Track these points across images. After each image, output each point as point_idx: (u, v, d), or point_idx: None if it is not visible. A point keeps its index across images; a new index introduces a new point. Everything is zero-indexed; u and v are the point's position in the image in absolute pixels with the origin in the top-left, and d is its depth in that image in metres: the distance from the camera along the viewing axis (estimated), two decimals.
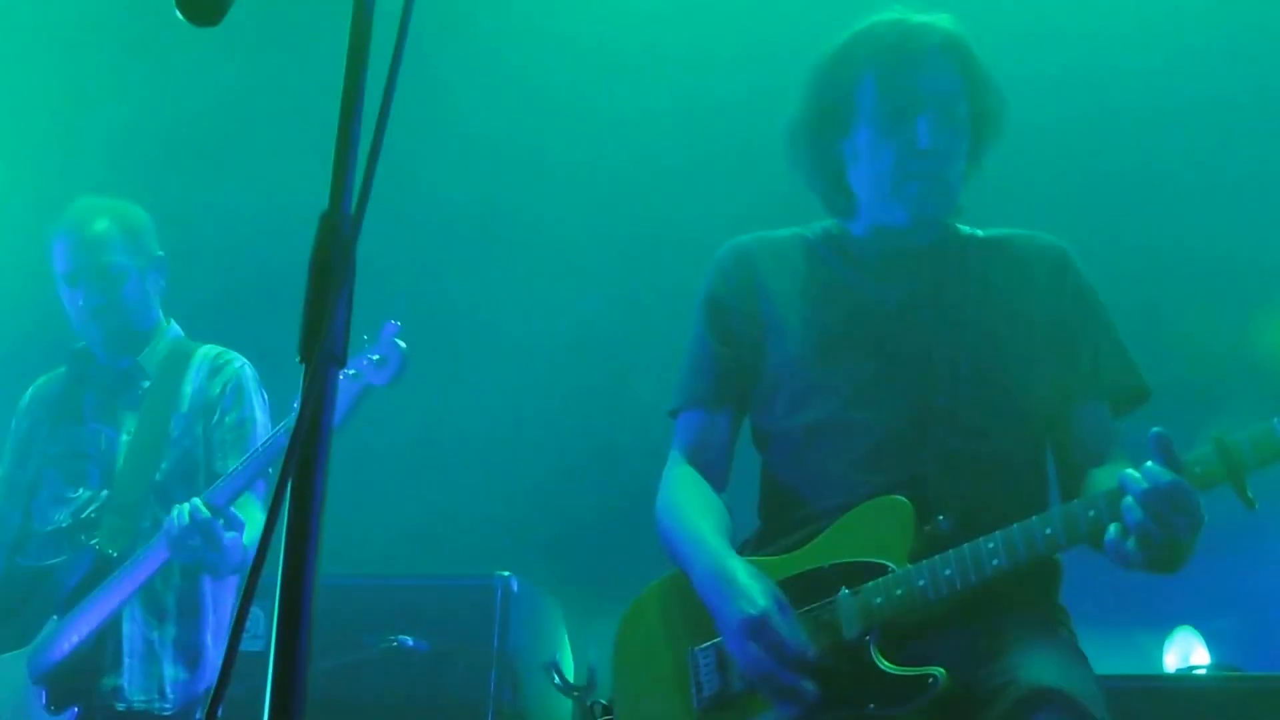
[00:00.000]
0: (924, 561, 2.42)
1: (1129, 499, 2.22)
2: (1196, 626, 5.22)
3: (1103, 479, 2.47)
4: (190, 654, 3.76)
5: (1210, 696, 3.63)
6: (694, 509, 2.71)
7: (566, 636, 4.91)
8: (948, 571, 2.38)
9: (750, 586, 2.47)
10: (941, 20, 2.72)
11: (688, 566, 2.63)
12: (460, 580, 4.63)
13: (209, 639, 3.81)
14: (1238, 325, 5.44)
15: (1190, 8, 5.18)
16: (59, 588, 3.67)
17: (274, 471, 3.74)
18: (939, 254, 2.76)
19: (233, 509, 3.47)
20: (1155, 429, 2.27)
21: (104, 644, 3.63)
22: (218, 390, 3.90)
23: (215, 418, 3.86)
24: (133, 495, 3.73)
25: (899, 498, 2.50)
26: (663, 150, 5.77)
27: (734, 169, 5.31)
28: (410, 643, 4.42)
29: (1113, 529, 2.26)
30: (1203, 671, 4.72)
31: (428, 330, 6.03)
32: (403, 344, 3.32)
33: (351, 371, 3.34)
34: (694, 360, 2.87)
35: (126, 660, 3.66)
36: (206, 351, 4.00)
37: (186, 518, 3.39)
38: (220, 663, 3.69)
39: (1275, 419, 2.19)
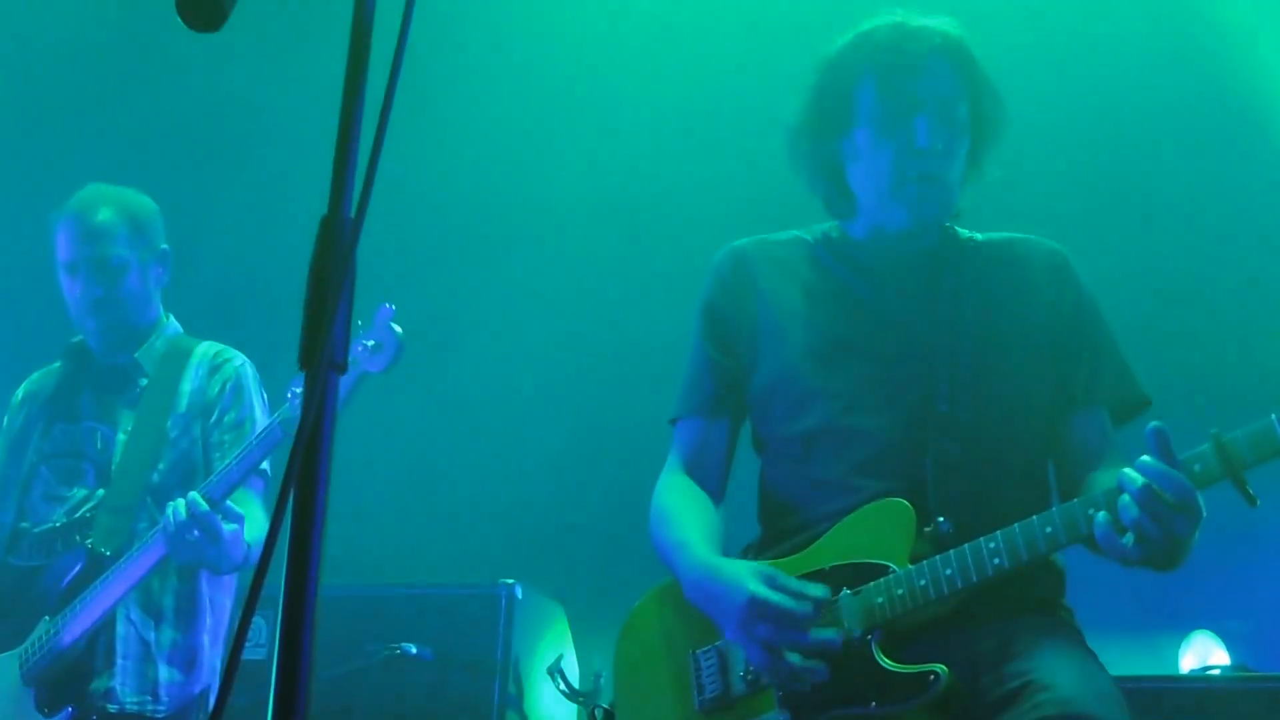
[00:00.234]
0: (924, 562, 2.42)
1: (1126, 496, 2.23)
2: (1215, 629, 5.20)
3: (1102, 480, 2.47)
4: (187, 656, 3.70)
5: (1225, 697, 3.61)
6: (682, 517, 2.72)
7: (571, 643, 4.89)
8: (949, 571, 2.39)
9: (736, 573, 2.49)
10: (941, 24, 2.73)
11: (677, 574, 2.65)
12: (465, 589, 4.62)
13: (206, 640, 3.75)
14: (1237, 327, 5.43)
15: (1192, 10, 5.17)
16: (51, 588, 3.61)
17: (270, 466, 3.72)
18: (939, 258, 2.76)
19: (230, 503, 3.41)
20: (1153, 424, 2.27)
21: (96, 645, 3.58)
22: (216, 389, 3.82)
23: (214, 417, 3.79)
24: (128, 496, 3.67)
25: (899, 500, 2.50)
26: (663, 155, 5.76)
27: (736, 170, 5.30)
28: (414, 650, 4.41)
29: (1102, 520, 2.26)
30: (1217, 671, 4.69)
31: (431, 337, 6.05)
32: (398, 328, 3.22)
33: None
34: (692, 369, 2.88)
35: (120, 661, 3.59)
36: (206, 349, 3.92)
37: (184, 512, 3.32)
38: (218, 665, 3.68)
39: (1273, 416, 2.20)
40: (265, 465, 3.71)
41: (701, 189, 5.58)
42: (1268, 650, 5.25)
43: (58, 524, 3.73)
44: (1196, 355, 5.19)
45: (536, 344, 6.04)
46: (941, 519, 2.46)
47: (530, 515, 5.88)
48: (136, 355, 3.87)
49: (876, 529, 2.50)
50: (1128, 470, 2.25)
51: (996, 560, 2.35)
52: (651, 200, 5.80)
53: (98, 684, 3.57)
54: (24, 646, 3.58)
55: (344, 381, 3.19)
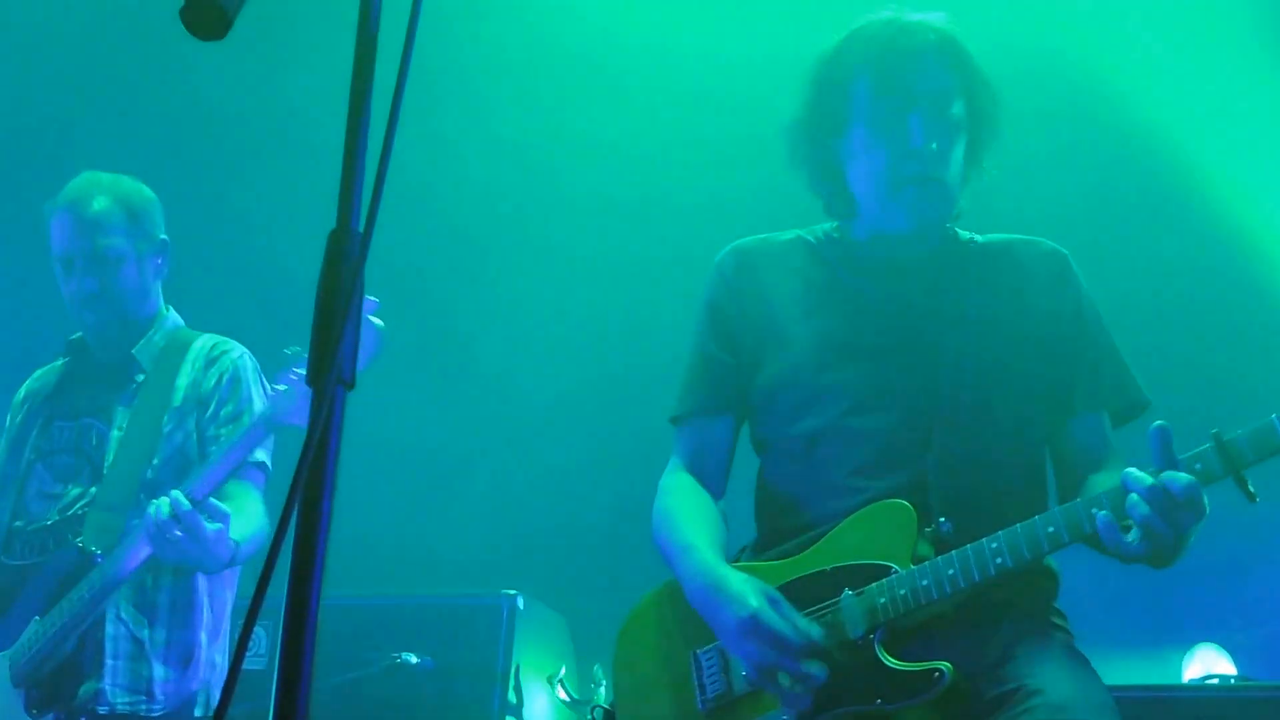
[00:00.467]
0: (927, 562, 2.42)
1: (1134, 496, 2.23)
2: (1222, 642, 5.19)
3: (1103, 480, 2.48)
4: (183, 653, 3.59)
5: (1224, 706, 3.60)
6: (686, 518, 2.71)
7: (573, 653, 4.89)
8: (951, 571, 2.39)
9: (740, 590, 2.48)
10: (935, 19, 2.72)
11: (680, 577, 2.64)
12: (467, 599, 4.62)
13: (203, 637, 3.66)
14: (1238, 328, 5.43)
15: (1197, 9, 5.17)
16: (42, 587, 3.54)
17: (271, 460, 3.68)
18: (939, 260, 2.75)
19: (215, 501, 3.32)
20: (1157, 423, 2.28)
21: (85, 646, 3.49)
22: (213, 382, 3.70)
23: (210, 411, 3.67)
24: (121, 493, 3.57)
25: (901, 501, 2.50)
26: (666, 159, 5.76)
27: (741, 174, 5.29)
28: (415, 660, 4.40)
29: (1105, 518, 2.26)
30: (1215, 680, 4.69)
31: (435, 348, 6.06)
32: (378, 321, 3.10)
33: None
34: (694, 367, 2.86)
35: (109, 662, 3.50)
36: (204, 342, 3.80)
37: (166, 510, 3.23)
38: (217, 661, 3.61)
39: (1274, 416, 2.21)
40: (265, 458, 3.67)
41: (707, 195, 5.57)
42: (1276, 662, 5.24)
43: (50, 522, 3.65)
44: (1198, 356, 5.19)
45: (539, 356, 6.04)
46: (943, 519, 2.46)
47: (533, 526, 5.87)
48: (134, 351, 3.77)
49: (878, 530, 2.50)
50: (1132, 470, 2.26)
51: (999, 560, 2.35)
52: (656, 208, 5.81)
53: (87, 686, 3.48)
54: (14, 647, 3.52)
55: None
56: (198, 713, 3.64)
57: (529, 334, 6.07)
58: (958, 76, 2.69)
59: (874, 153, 2.67)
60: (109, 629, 3.52)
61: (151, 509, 3.27)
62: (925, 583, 2.40)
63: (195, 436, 3.66)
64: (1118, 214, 5.40)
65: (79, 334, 3.87)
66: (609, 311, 5.93)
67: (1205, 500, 2.25)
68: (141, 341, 3.78)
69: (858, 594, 2.46)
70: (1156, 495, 2.22)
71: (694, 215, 5.49)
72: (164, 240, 3.84)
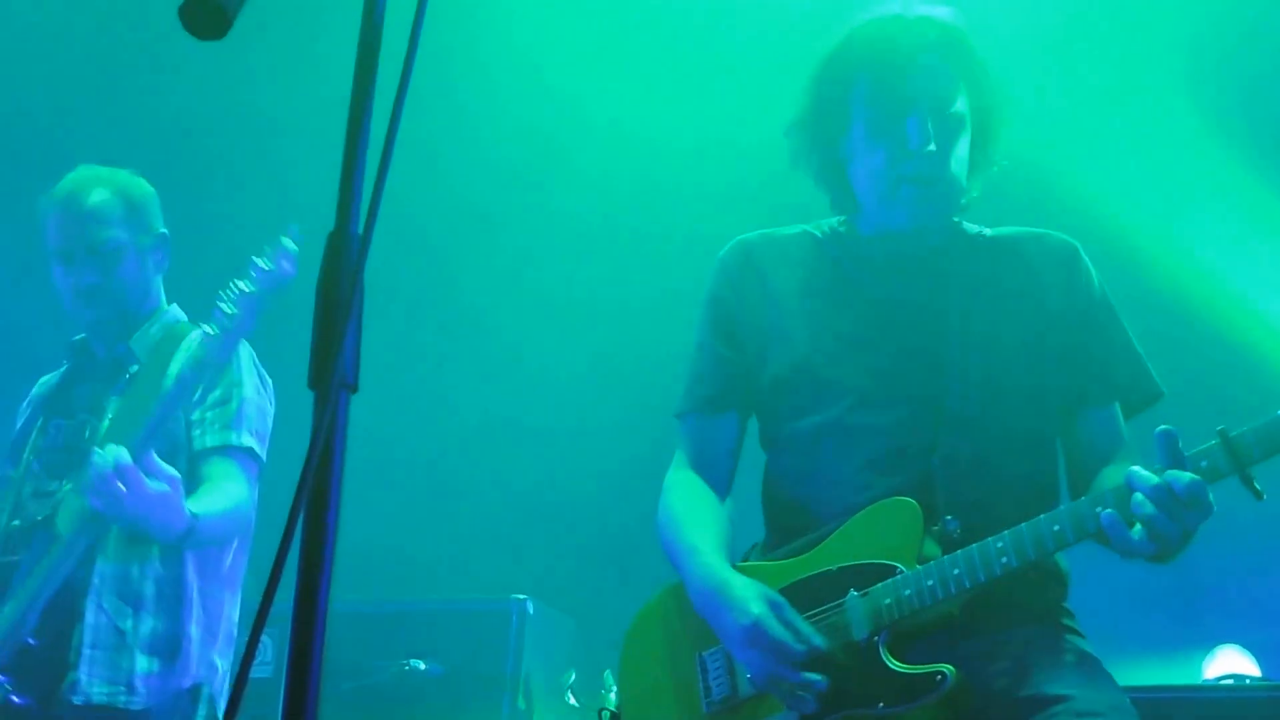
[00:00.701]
0: (932, 562, 2.40)
1: (1139, 495, 2.21)
2: (1245, 643, 5.17)
3: (1113, 476, 2.45)
4: (169, 646, 3.51)
5: (1243, 707, 3.58)
6: (691, 518, 2.69)
7: (583, 658, 4.87)
8: (957, 571, 2.36)
9: (744, 596, 2.46)
10: (938, 14, 2.68)
11: (685, 579, 2.62)
12: (476, 604, 4.62)
13: (194, 631, 3.57)
14: (1248, 322, 5.42)
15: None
16: (22, 577, 3.45)
17: (256, 444, 3.60)
18: (946, 254, 2.72)
19: (160, 462, 3.23)
20: (1162, 427, 2.26)
21: (62, 637, 3.42)
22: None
23: (197, 395, 3.55)
24: None
25: (907, 499, 2.47)
26: (671, 160, 5.75)
27: (746, 172, 5.28)
28: (424, 666, 4.40)
29: (1110, 517, 2.24)
30: (1229, 681, 4.66)
31: (441, 352, 6.06)
32: (289, 243, 3.08)
33: (243, 284, 3.15)
34: (698, 363, 2.83)
35: (87, 652, 3.40)
36: (199, 332, 3.62)
37: (109, 461, 3.15)
38: (215, 662, 3.53)
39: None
40: (254, 444, 3.61)
41: (717, 189, 5.56)
42: None
43: (41, 518, 3.56)
44: (1207, 350, 5.17)
45: (547, 359, 6.04)
46: (949, 517, 2.44)
47: (542, 530, 5.86)
48: (130, 343, 3.70)
49: (884, 529, 2.47)
50: (1137, 469, 2.24)
51: (1004, 560, 2.33)
52: (662, 209, 5.80)
53: (62, 676, 3.40)
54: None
55: (244, 309, 3.07)
56: (201, 714, 3.56)
57: (536, 338, 6.07)
58: (960, 72, 2.66)
59: (873, 153, 2.65)
60: (89, 618, 3.44)
61: (95, 458, 3.19)
62: (931, 583, 2.37)
63: (182, 420, 3.57)
64: (1128, 207, 5.38)
65: (81, 335, 3.83)
66: (615, 313, 5.92)
67: (1211, 498, 2.22)
68: (138, 334, 3.72)
69: (863, 595, 2.43)
70: (1161, 494, 2.19)
71: (706, 210, 5.47)
72: (163, 234, 3.79)
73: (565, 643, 4.79)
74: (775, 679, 2.40)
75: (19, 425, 3.84)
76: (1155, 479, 2.20)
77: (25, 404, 3.90)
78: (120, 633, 3.46)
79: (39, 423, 3.78)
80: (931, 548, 2.43)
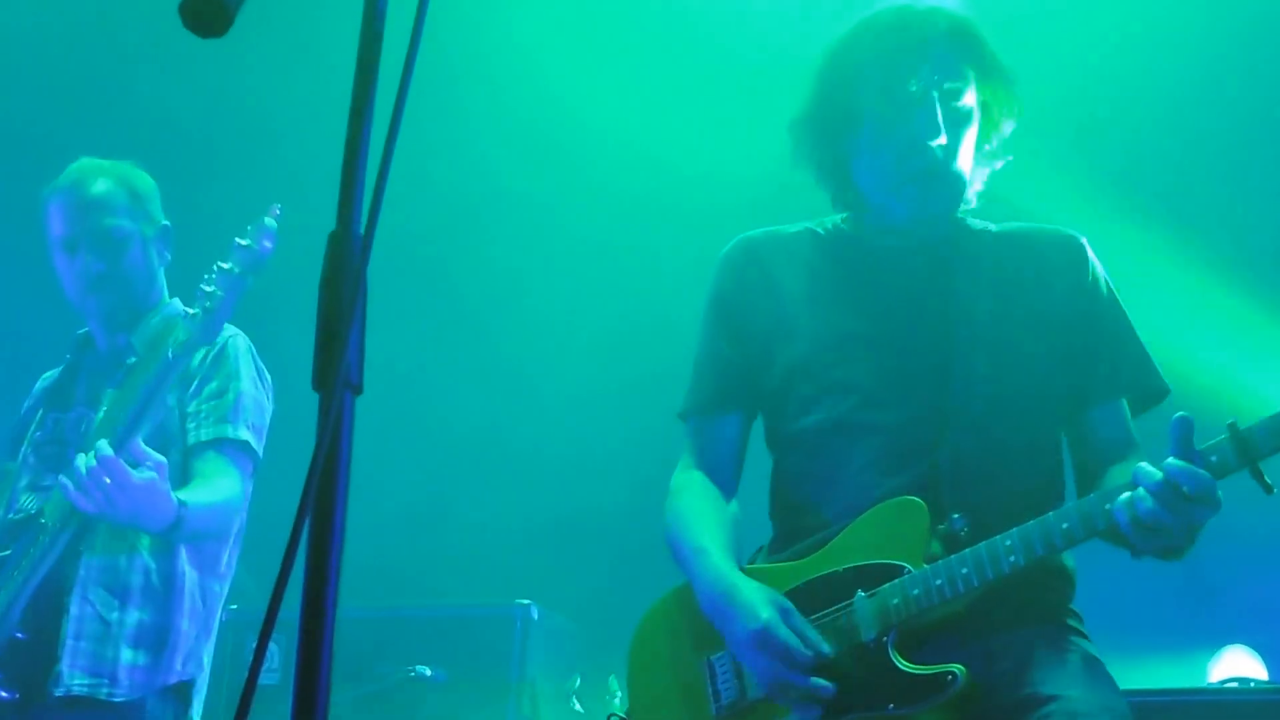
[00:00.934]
0: (940, 561, 2.39)
1: (1143, 490, 2.20)
2: (1253, 643, 5.15)
3: (1120, 473, 2.43)
4: (155, 638, 3.47)
5: (1251, 710, 3.57)
6: (698, 519, 2.68)
7: (588, 663, 4.86)
8: (965, 570, 2.35)
9: (752, 600, 2.45)
10: (946, 6, 2.66)
11: (692, 581, 2.61)
12: (480, 609, 4.60)
13: (185, 624, 3.52)
14: (1256, 318, 5.41)
15: None
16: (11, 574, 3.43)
17: (252, 439, 3.58)
18: (951, 250, 2.71)
19: (145, 447, 3.21)
20: (1179, 414, 2.24)
21: (45, 627, 3.38)
22: (199, 359, 3.57)
23: (193, 387, 3.54)
24: None
25: (913, 498, 2.46)
26: (676, 167, 5.75)
27: (750, 178, 5.28)
28: (429, 673, 4.39)
29: (1118, 515, 2.24)
30: (1234, 684, 4.65)
31: (444, 356, 6.06)
32: (270, 221, 3.09)
33: (226, 264, 3.14)
34: (702, 362, 2.82)
35: (70, 642, 3.37)
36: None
37: (94, 459, 3.14)
38: (201, 654, 3.49)
39: None
40: (250, 437, 3.59)
41: (716, 201, 5.56)
42: None
43: (33, 511, 3.54)
44: (1215, 346, 5.17)
45: (552, 364, 6.04)
46: (956, 515, 2.43)
47: (546, 535, 5.86)
48: (132, 336, 3.64)
49: (891, 528, 2.47)
50: (1143, 465, 2.24)
51: (1012, 558, 2.32)
52: (667, 212, 5.79)
53: (45, 667, 3.36)
54: None
55: (227, 290, 3.06)
56: (188, 711, 3.52)
57: (542, 342, 6.06)
58: (969, 65, 2.64)
59: (881, 148, 2.64)
60: (74, 609, 3.40)
61: (78, 461, 3.18)
62: (939, 582, 2.37)
63: (177, 413, 3.56)
64: (1137, 203, 5.38)
65: (85, 329, 3.82)
66: (621, 318, 5.92)
67: (1219, 494, 2.21)
68: (140, 326, 3.68)
69: (870, 595, 2.43)
70: (1168, 491, 2.18)
71: (710, 215, 5.46)
72: (166, 225, 3.77)
73: (569, 648, 4.77)
74: (782, 684, 2.39)
75: (18, 420, 3.83)
76: (1161, 475, 2.19)
77: (28, 398, 3.88)
78: (106, 623, 3.42)
79: (37, 416, 3.76)
80: (938, 547, 2.42)
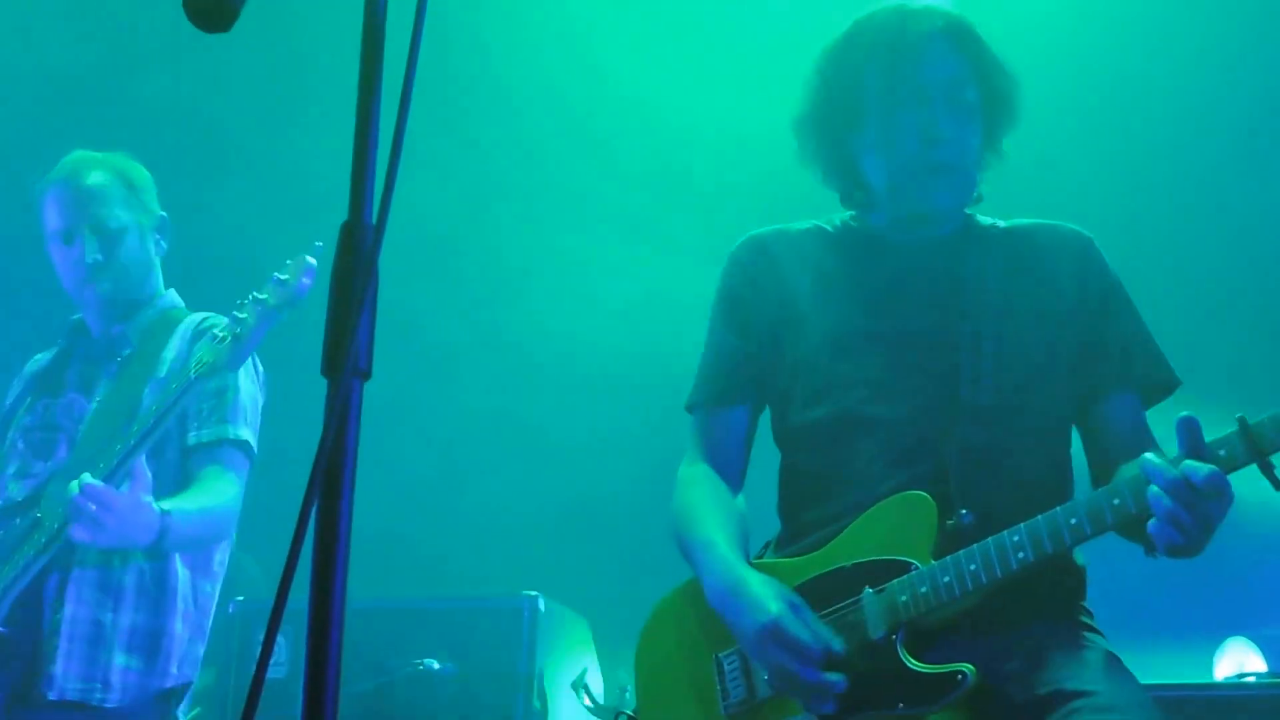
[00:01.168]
0: (948, 557, 2.38)
1: (1155, 488, 2.18)
2: (1251, 636, 5.15)
3: (1130, 468, 2.41)
4: (149, 642, 3.46)
5: (1261, 705, 3.56)
6: (705, 512, 2.67)
7: (595, 655, 4.86)
8: (973, 566, 2.34)
9: (761, 594, 2.44)
10: (943, 4, 2.68)
11: (700, 576, 2.61)
12: (486, 601, 4.60)
13: (179, 627, 3.50)
14: (1268, 311, 5.41)
15: None
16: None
17: (250, 436, 3.59)
18: (960, 246, 2.72)
19: (144, 464, 3.25)
20: (1183, 414, 2.23)
21: (39, 627, 3.37)
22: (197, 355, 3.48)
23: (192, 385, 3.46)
24: (87, 464, 3.38)
25: (921, 493, 2.45)
26: (690, 153, 5.75)
27: (770, 166, 5.27)
28: (436, 666, 4.39)
29: (1128, 509, 2.23)
30: (1252, 679, 4.64)
31: (452, 348, 6.06)
32: (311, 259, 3.10)
33: (262, 295, 3.15)
34: (710, 357, 2.83)
35: (63, 645, 3.35)
36: (194, 318, 3.71)
37: (75, 489, 3.17)
38: (196, 655, 3.47)
39: None
40: (250, 437, 3.59)
41: (732, 190, 5.56)
42: None
43: (19, 498, 3.54)
44: (1226, 339, 5.16)
45: (560, 355, 6.04)
46: (964, 511, 2.42)
47: (552, 526, 5.86)
48: (127, 326, 3.69)
49: (898, 524, 2.46)
50: (1150, 456, 2.22)
51: (1020, 554, 2.30)
52: (676, 202, 5.79)
53: (37, 669, 3.35)
54: None
55: (259, 321, 3.08)
56: (180, 715, 3.51)
57: (550, 333, 6.06)
58: (970, 61, 2.66)
59: (891, 143, 2.65)
60: (67, 610, 3.39)
61: (69, 490, 3.20)
62: (947, 579, 2.36)
63: (177, 412, 3.50)
64: (1144, 197, 5.37)
65: (79, 316, 3.81)
66: (630, 310, 5.92)
67: (1231, 488, 2.18)
68: (136, 318, 3.71)
69: (878, 592, 2.42)
70: (1179, 487, 2.16)
71: (727, 206, 5.47)
72: (163, 216, 3.78)
73: (577, 640, 4.76)
74: (792, 679, 2.38)
75: (8, 402, 3.82)
76: (1173, 471, 2.17)
77: (16, 380, 3.87)
78: (98, 625, 3.42)
79: (27, 401, 3.75)
80: (946, 542, 2.41)
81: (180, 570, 3.54)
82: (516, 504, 5.94)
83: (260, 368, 3.74)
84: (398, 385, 5.40)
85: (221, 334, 3.23)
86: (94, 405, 3.60)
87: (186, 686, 3.54)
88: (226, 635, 4.60)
